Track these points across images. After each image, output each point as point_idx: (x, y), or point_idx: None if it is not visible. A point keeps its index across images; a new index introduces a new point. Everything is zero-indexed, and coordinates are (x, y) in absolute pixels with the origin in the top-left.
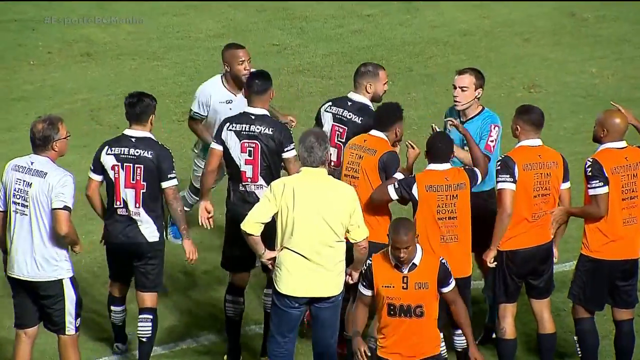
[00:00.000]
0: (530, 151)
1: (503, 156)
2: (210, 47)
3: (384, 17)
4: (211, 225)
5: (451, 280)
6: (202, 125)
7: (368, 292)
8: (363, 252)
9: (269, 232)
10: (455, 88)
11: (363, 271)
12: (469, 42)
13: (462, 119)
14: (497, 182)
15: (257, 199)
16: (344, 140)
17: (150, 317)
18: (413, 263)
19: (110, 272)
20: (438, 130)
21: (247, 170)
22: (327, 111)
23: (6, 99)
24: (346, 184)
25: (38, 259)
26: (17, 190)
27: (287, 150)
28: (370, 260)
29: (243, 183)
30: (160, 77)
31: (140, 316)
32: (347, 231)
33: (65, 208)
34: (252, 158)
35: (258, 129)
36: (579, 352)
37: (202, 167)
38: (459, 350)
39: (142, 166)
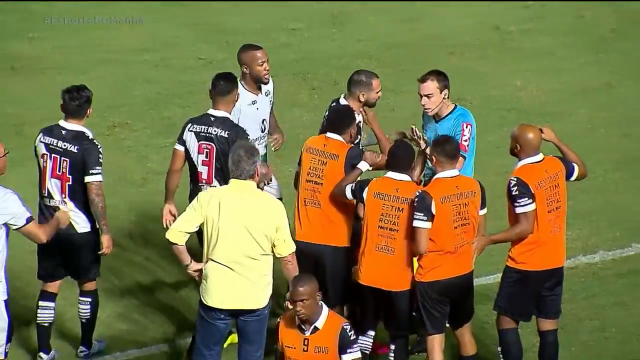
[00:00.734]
0: (447, 183)
1: (420, 192)
2: (135, 61)
3: (310, 31)
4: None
5: (352, 347)
6: None
7: (279, 348)
8: (289, 267)
9: None
10: (421, 97)
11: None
12: (395, 55)
13: (435, 119)
14: (414, 219)
15: None
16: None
17: (89, 299)
18: (315, 326)
19: (40, 268)
20: (417, 134)
21: (203, 171)
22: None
23: None
24: (274, 198)
25: None
26: None
27: None
28: (279, 319)
29: (199, 184)
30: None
31: (80, 299)
32: (274, 245)
33: (28, 220)
34: (207, 159)
35: (215, 131)
36: None
37: None
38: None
39: (68, 160)
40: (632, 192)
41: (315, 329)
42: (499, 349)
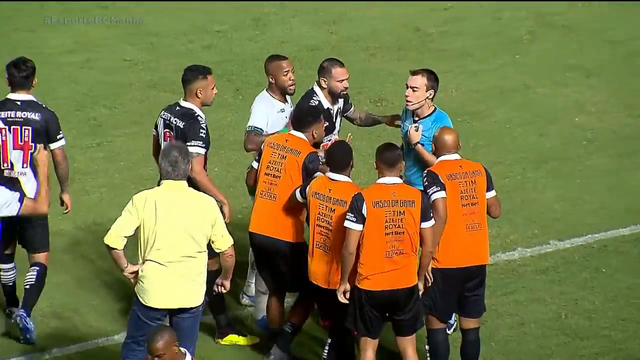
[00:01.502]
0: (384, 189)
1: (356, 193)
2: (63, 63)
3: (234, 32)
4: None
5: None
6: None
7: None
8: (229, 260)
9: None
10: (407, 88)
11: None
12: (317, 56)
13: (414, 119)
14: (345, 219)
15: None
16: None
17: (37, 268)
18: None
19: None
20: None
21: None
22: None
23: None
24: (206, 195)
25: None
26: None
27: (191, 145)
28: None
29: None
30: None
31: (29, 269)
32: (212, 241)
33: (21, 200)
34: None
35: (175, 121)
36: None
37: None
38: None
39: (30, 127)
40: (549, 190)
41: None
42: (427, 347)
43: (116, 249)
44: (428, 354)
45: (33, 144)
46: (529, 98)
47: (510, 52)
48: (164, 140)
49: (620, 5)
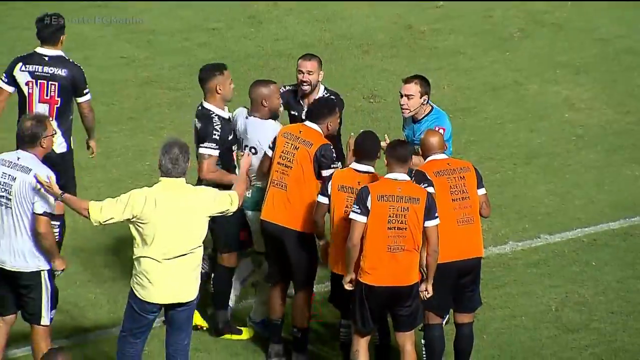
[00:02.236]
0: (390, 184)
1: (362, 186)
2: None
3: (229, 30)
4: None
5: None
6: None
7: None
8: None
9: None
10: (401, 96)
11: None
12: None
13: (413, 121)
14: (350, 210)
15: None
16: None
17: (58, 222)
18: None
19: None
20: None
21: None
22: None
23: None
24: (200, 187)
25: (21, 251)
26: (2, 183)
27: (202, 147)
28: None
29: None
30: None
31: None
32: (224, 212)
33: (45, 214)
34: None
35: (194, 121)
36: (425, 356)
37: None
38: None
39: (56, 83)
40: (540, 185)
41: None
42: (423, 341)
43: (96, 222)
44: (424, 349)
45: (59, 99)
46: (519, 95)
47: (501, 50)
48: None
49: (608, 3)
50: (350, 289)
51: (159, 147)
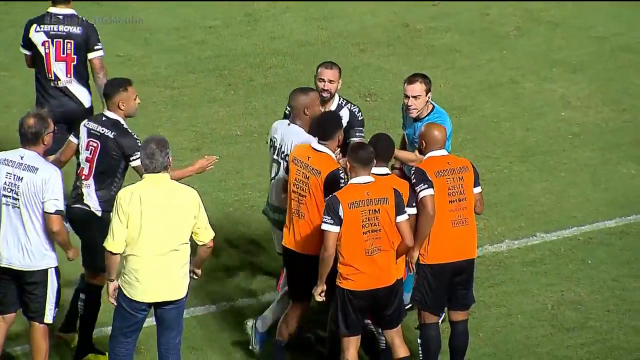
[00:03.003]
0: (358, 189)
1: (330, 196)
2: None
3: (226, 28)
4: None
5: None
6: None
7: None
8: (208, 252)
9: None
10: (408, 97)
11: None
12: (307, 52)
13: (414, 119)
14: (322, 222)
15: None
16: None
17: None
18: None
19: None
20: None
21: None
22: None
23: None
24: (189, 188)
25: (30, 249)
26: (7, 184)
27: (134, 160)
28: None
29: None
30: (8, 87)
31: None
32: (194, 234)
33: (57, 212)
34: (91, 156)
35: (102, 130)
36: (421, 355)
37: None
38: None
39: (72, 41)
40: (536, 184)
41: None
42: (419, 341)
43: (118, 253)
44: (420, 349)
45: (75, 56)
46: (516, 93)
47: (497, 48)
48: (85, 150)
49: (605, 2)
50: (322, 299)
51: None
